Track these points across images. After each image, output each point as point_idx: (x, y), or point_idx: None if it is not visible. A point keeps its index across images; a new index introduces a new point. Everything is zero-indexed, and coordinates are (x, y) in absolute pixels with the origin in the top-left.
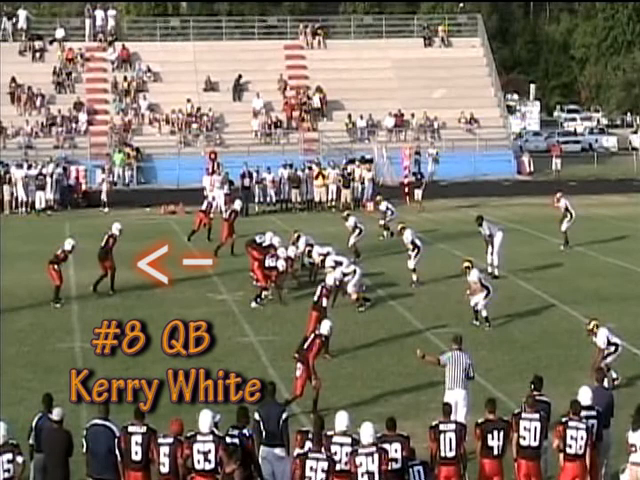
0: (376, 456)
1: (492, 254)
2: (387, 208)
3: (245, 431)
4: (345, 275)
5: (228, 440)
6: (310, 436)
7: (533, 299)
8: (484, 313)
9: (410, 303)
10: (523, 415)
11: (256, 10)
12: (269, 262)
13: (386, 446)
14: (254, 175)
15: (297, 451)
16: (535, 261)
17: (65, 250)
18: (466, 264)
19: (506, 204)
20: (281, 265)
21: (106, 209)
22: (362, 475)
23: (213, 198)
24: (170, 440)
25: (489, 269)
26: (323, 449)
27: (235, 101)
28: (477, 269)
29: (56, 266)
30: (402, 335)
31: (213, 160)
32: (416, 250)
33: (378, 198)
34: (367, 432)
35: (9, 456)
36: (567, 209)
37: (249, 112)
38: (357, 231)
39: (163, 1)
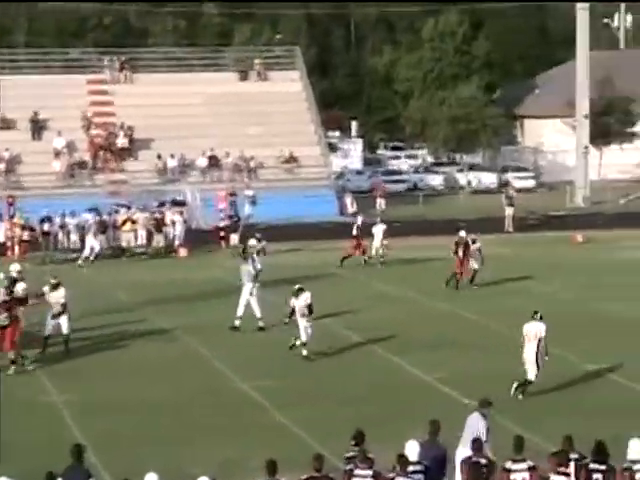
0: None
1: None
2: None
3: None
4: None
5: None
6: None
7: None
8: None
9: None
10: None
11: (57, 42)
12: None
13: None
14: (56, 220)
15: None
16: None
17: None
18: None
19: (331, 247)
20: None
21: None
22: None
23: None
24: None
25: None
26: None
27: (34, 140)
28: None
29: None
30: None
31: (11, 204)
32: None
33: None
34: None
35: None
36: (479, 250)
37: (50, 152)
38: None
39: None
